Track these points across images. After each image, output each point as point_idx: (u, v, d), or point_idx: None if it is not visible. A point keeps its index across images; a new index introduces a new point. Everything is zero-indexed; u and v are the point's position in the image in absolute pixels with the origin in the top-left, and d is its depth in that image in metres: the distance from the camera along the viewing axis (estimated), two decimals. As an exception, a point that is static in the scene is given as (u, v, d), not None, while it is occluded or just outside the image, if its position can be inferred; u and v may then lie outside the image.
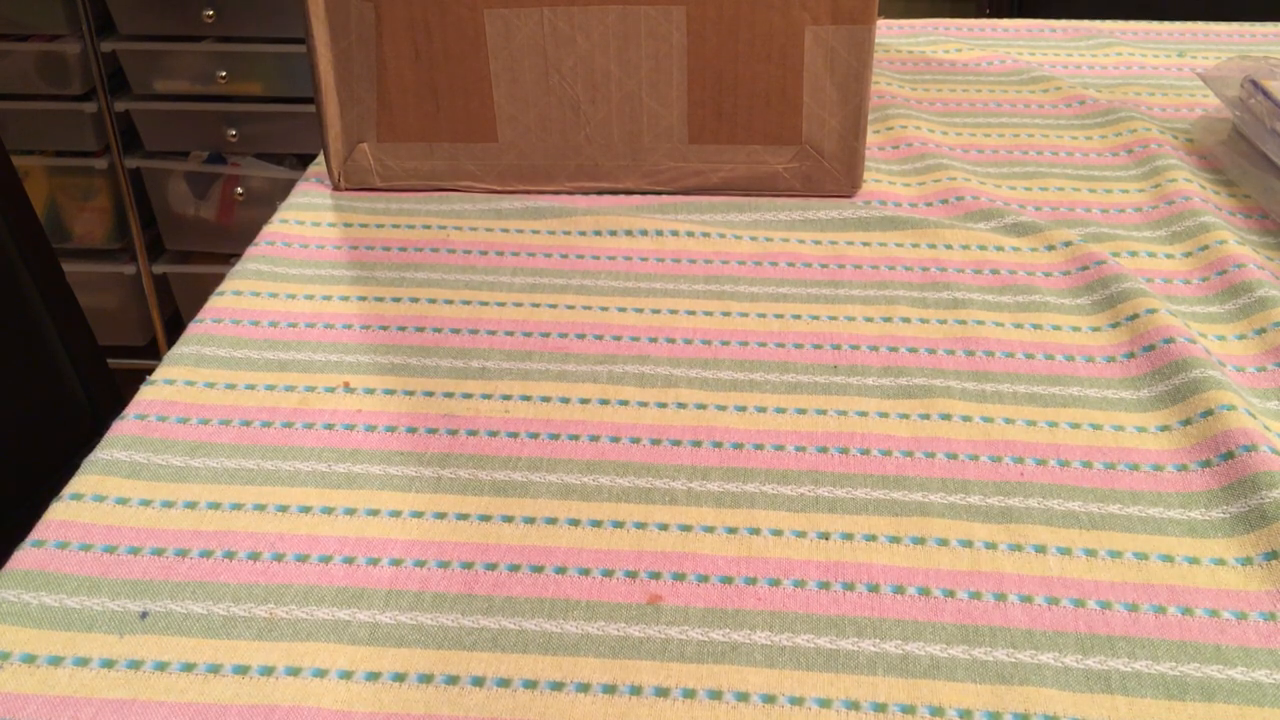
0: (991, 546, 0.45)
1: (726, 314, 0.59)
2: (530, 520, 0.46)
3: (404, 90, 0.67)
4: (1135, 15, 0.98)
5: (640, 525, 0.46)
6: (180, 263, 1.81)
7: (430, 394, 0.53)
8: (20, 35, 1.62)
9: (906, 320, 0.58)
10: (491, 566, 0.44)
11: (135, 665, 0.40)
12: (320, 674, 0.40)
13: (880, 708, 0.39)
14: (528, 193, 0.70)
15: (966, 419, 0.51)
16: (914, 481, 0.48)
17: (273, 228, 0.66)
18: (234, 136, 1.67)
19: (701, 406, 0.52)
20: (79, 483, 0.48)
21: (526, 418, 0.52)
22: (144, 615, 0.42)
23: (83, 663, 0.40)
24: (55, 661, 0.40)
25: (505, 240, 0.65)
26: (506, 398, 0.53)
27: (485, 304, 0.60)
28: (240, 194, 1.72)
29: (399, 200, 0.69)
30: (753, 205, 0.68)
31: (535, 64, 0.66)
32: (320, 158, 0.72)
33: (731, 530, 0.46)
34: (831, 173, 0.68)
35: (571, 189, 0.70)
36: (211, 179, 1.72)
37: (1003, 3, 1.41)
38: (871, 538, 0.45)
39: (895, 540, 0.45)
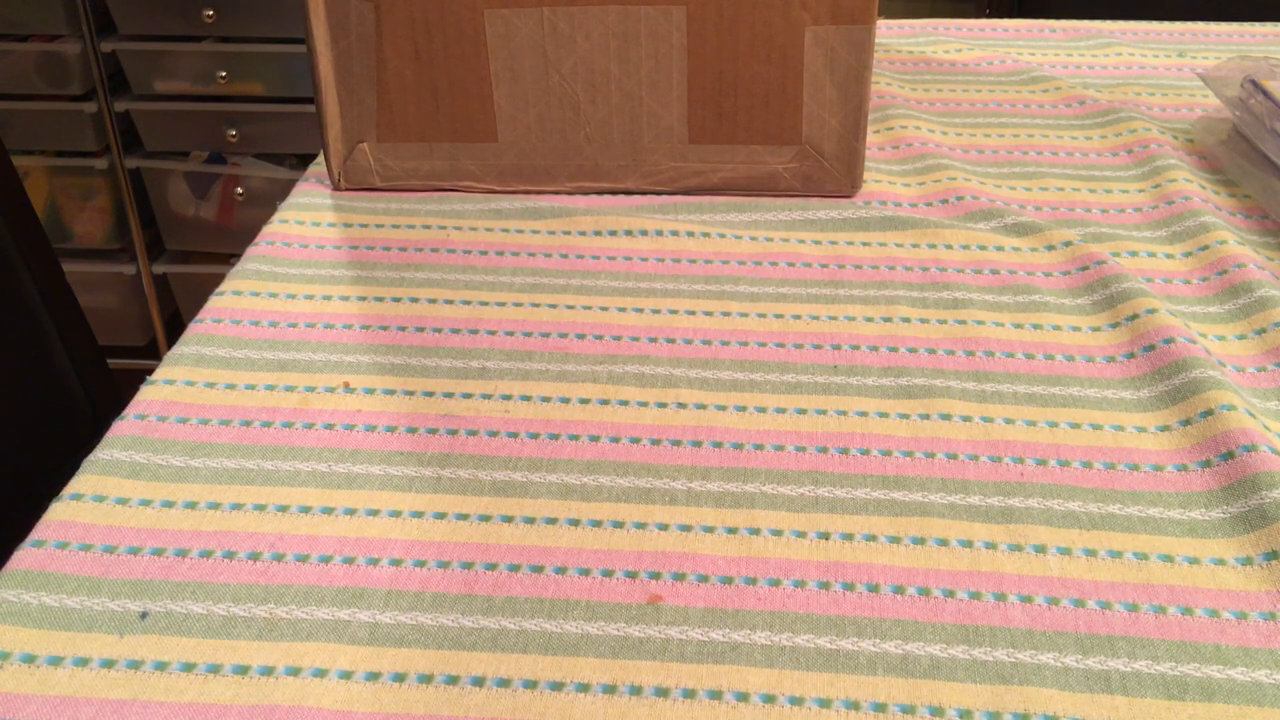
0: (991, 546, 0.45)
1: (726, 314, 0.59)
2: (530, 520, 0.46)
3: (404, 90, 0.67)
4: (1135, 15, 0.98)
5: (640, 525, 0.46)
6: (180, 263, 1.81)
7: (430, 394, 0.53)
8: (20, 35, 1.62)
9: (906, 320, 0.58)
10: (491, 566, 0.44)
11: (135, 665, 0.40)
12: (320, 674, 0.40)
13: (880, 708, 0.39)
14: (528, 193, 0.70)
15: (966, 419, 0.51)
16: (914, 481, 0.48)
17: (273, 228, 0.66)
18: (234, 136, 1.67)
19: (701, 406, 0.52)
20: (79, 483, 0.48)
21: (526, 418, 0.52)
22: (144, 615, 0.42)
23: (83, 663, 0.40)
24: (55, 661, 0.40)
25: (505, 240, 0.65)
26: (506, 398, 0.53)
27: (485, 304, 0.60)
28: (240, 194, 1.72)
29: (399, 200, 0.69)
30: (753, 205, 0.68)
31: (535, 64, 0.66)
32: (320, 158, 0.72)
33: (731, 530, 0.46)
34: (831, 173, 0.68)
35: (571, 189, 0.70)
36: (211, 179, 1.72)
37: (1003, 3, 1.41)
38: (871, 538, 0.45)
39: (895, 540, 0.45)
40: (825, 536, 0.45)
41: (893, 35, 0.93)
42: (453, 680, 0.40)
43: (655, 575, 0.44)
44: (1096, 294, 0.59)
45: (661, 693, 0.39)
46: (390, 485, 0.48)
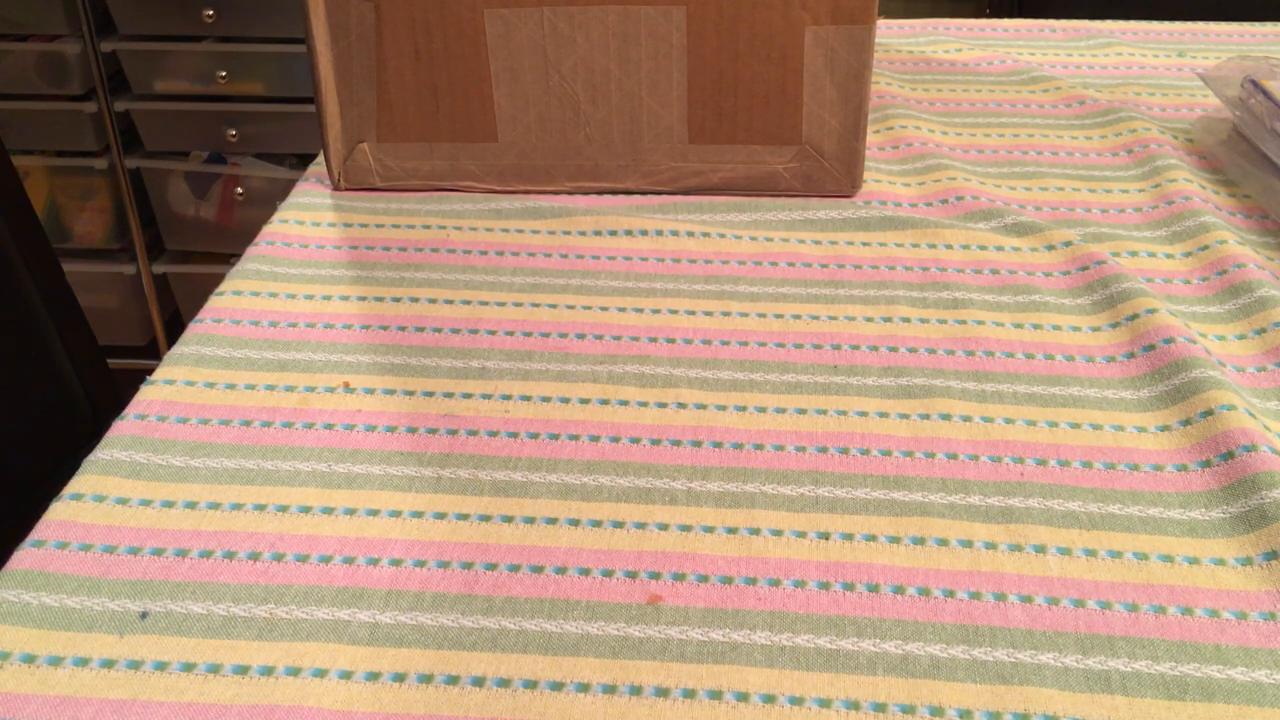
0: (991, 546, 0.45)
1: (726, 314, 0.59)
2: (530, 520, 0.46)
3: (404, 90, 0.67)
4: (1135, 15, 0.98)
5: (640, 525, 0.46)
6: (180, 263, 1.81)
7: (430, 394, 0.53)
8: (20, 35, 1.62)
9: (906, 320, 0.58)
10: (491, 566, 0.44)
11: (135, 665, 0.40)
12: (320, 674, 0.40)
13: (880, 708, 0.39)
14: (528, 193, 0.70)
15: (966, 419, 0.51)
16: (914, 481, 0.48)
17: (273, 228, 0.66)
18: (234, 136, 1.67)
19: (701, 406, 0.52)
20: (79, 483, 0.48)
21: (526, 418, 0.52)
22: (144, 615, 0.42)
23: (83, 663, 0.40)
24: (55, 661, 0.40)
25: (505, 240, 0.65)
26: (506, 398, 0.53)
27: (485, 304, 0.60)
28: (240, 194, 1.72)
29: (399, 200, 0.69)
30: (753, 205, 0.68)
31: (535, 64, 0.66)
32: (320, 158, 0.72)
33: (731, 530, 0.46)
34: (831, 173, 0.68)
35: (571, 189, 0.70)
36: (211, 179, 1.72)
37: (1003, 3, 1.41)
38: (871, 538, 0.45)
39: (895, 540, 0.45)
40: (825, 536, 0.45)
41: (893, 35, 0.93)
42: (453, 680, 0.40)
43: (655, 575, 0.44)
44: (1096, 294, 0.59)
45: (661, 693, 0.39)
46: (390, 485, 0.48)
